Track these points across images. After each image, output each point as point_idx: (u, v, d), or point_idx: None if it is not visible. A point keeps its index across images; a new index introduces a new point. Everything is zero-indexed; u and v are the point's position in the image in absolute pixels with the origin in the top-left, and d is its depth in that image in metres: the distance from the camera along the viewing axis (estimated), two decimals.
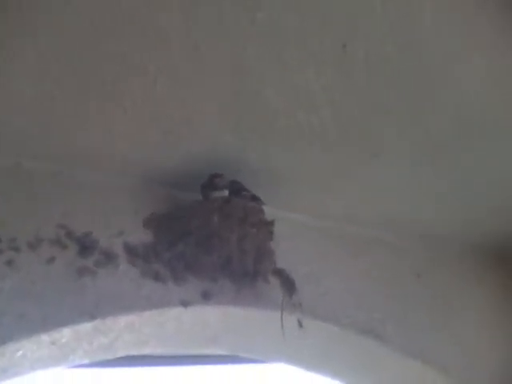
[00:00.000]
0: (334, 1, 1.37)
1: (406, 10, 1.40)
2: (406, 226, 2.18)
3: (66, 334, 1.43)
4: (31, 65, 1.40)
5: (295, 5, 1.36)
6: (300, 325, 1.71)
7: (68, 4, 1.27)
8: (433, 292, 2.18)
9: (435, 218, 2.14)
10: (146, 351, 1.74)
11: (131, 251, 1.62)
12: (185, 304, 1.61)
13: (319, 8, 1.38)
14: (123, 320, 1.52)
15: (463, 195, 2.05)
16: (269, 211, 1.84)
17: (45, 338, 1.39)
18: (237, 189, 1.78)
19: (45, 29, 1.32)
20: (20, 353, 1.38)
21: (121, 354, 1.65)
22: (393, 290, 2.09)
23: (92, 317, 1.45)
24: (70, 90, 1.47)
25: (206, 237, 1.69)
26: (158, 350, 1.77)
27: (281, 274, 1.75)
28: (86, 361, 1.59)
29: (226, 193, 1.75)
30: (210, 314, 1.69)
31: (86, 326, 1.44)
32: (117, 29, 1.34)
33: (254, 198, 1.80)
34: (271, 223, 1.81)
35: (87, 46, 1.37)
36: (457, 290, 2.24)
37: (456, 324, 2.14)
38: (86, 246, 1.55)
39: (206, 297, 1.66)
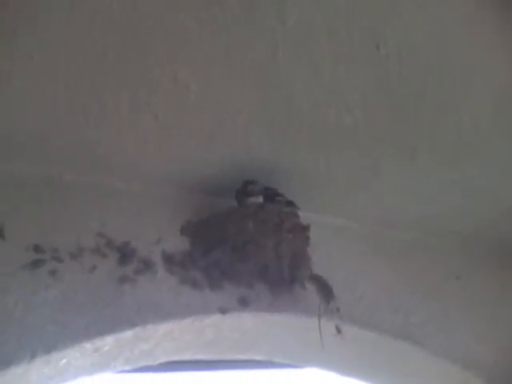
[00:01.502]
0: (365, 2, 1.36)
1: (438, 7, 1.39)
2: (444, 227, 2.15)
3: (108, 341, 1.45)
4: (66, 76, 1.42)
5: (326, 5, 1.35)
6: (338, 331, 1.70)
7: (98, 13, 1.30)
8: (472, 294, 2.14)
9: (474, 219, 2.10)
10: (186, 357, 1.75)
11: (169, 259, 1.64)
12: (223, 311, 1.61)
13: (350, 8, 1.38)
14: (162, 327, 1.53)
15: (502, 194, 2.00)
16: (304, 216, 1.84)
17: (88, 346, 1.42)
18: (271, 194, 1.78)
19: (77, 40, 1.34)
20: (64, 361, 1.41)
21: (161, 360, 1.67)
22: (432, 294, 2.05)
23: (133, 324, 1.47)
24: (103, 100, 1.49)
25: (241, 243, 1.69)
26: (198, 356, 1.78)
27: (318, 280, 1.74)
28: (128, 367, 1.61)
29: (260, 199, 1.75)
30: (248, 321, 1.69)
31: (127, 334, 1.46)
32: (145, 36, 1.35)
33: (289, 203, 1.80)
34: (307, 228, 1.80)
35: (117, 56, 1.39)
36: (497, 292, 2.19)
37: (497, 327, 2.09)
38: (125, 255, 1.57)
39: (243, 303, 1.66)
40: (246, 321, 1.69)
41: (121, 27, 1.34)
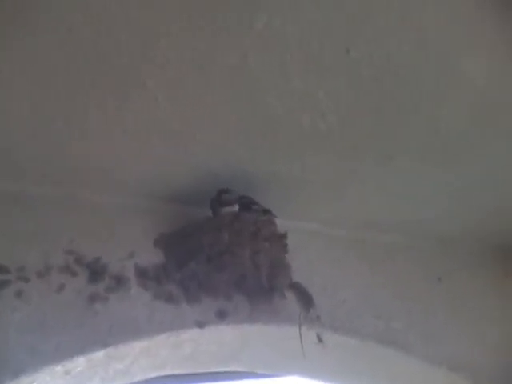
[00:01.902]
0: (334, 6, 1.33)
1: (407, 10, 1.35)
2: (424, 229, 2.13)
3: (80, 363, 1.40)
4: (30, 87, 1.37)
5: (294, 12, 1.31)
6: (320, 339, 1.66)
7: (63, 22, 1.24)
8: (454, 295, 2.12)
9: (454, 221, 2.08)
10: (163, 373, 1.70)
11: (142, 274, 1.59)
12: (200, 325, 1.57)
13: (320, 13, 1.34)
14: (137, 345, 1.49)
15: (481, 195, 1.98)
16: (282, 223, 1.80)
17: (58, 368, 1.37)
18: (246, 203, 1.74)
19: (42, 50, 1.29)
20: None
21: (138, 378, 1.63)
22: (413, 296, 2.03)
23: (105, 344, 1.42)
24: (69, 111, 1.44)
25: (217, 254, 1.65)
26: (176, 371, 1.74)
27: (297, 287, 1.70)
28: None
29: (235, 208, 1.71)
30: (227, 334, 1.65)
31: (99, 354, 1.41)
32: (112, 46, 1.31)
33: (266, 212, 1.76)
34: (284, 236, 1.76)
35: (82, 67, 1.34)
36: (479, 293, 2.17)
37: (480, 327, 2.08)
38: (96, 272, 1.52)
39: (221, 316, 1.62)
40: (225, 333, 1.65)
41: (86, 38, 1.29)
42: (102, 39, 1.29)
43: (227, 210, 1.70)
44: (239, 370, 1.85)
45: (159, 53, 1.34)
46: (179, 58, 1.37)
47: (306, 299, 1.70)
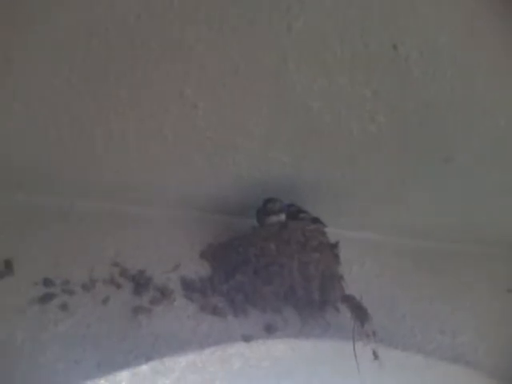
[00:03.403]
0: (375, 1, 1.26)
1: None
2: (489, 235, 1.98)
3: (124, 377, 1.37)
4: (69, 106, 1.40)
5: (332, 9, 1.26)
6: (375, 356, 1.54)
7: (93, 36, 1.26)
8: None
9: None
10: None
11: (188, 285, 1.56)
12: (247, 339, 1.51)
13: (361, 10, 1.28)
14: (183, 359, 1.44)
15: None
16: (334, 232, 1.73)
17: (102, 382, 1.34)
18: (294, 212, 1.68)
19: (75, 62, 1.30)
20: None
21: None
22: (480, 308, 1.88)
23: (149, 358, 1.38)
24: (109, 127, 1.45)
25: (264, 265, 1.59)
26: None
27: (350, 300, 1.60)
28: None
29: (282, 217, 1.65)
30: (276, 348, 1.57)
31: (144, 369, 1.38)
32: (150, 55, 1.31)
33: (314, 220, 1.69)
34: (335, 245, 1.69)
35: (121, 79, 1.35)
36: None
37: None
38: (140, 284, 1.50)
39: (269, 330, 1.55)
40: (274, 348, 1.57)
41: (123, 49, 1.29)
42: (135, 49, 1.29)
43: (273, 219, 1.64)
44: None
45: (194, 59, 1.33)
46: (215, 63, 1.35)
47: (360, 313, 1.58)
